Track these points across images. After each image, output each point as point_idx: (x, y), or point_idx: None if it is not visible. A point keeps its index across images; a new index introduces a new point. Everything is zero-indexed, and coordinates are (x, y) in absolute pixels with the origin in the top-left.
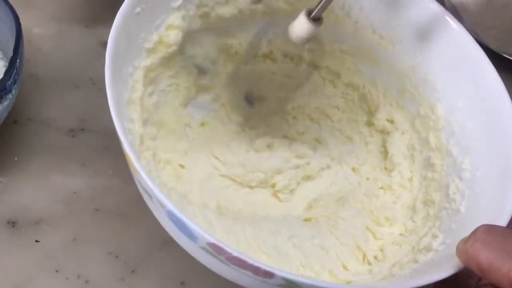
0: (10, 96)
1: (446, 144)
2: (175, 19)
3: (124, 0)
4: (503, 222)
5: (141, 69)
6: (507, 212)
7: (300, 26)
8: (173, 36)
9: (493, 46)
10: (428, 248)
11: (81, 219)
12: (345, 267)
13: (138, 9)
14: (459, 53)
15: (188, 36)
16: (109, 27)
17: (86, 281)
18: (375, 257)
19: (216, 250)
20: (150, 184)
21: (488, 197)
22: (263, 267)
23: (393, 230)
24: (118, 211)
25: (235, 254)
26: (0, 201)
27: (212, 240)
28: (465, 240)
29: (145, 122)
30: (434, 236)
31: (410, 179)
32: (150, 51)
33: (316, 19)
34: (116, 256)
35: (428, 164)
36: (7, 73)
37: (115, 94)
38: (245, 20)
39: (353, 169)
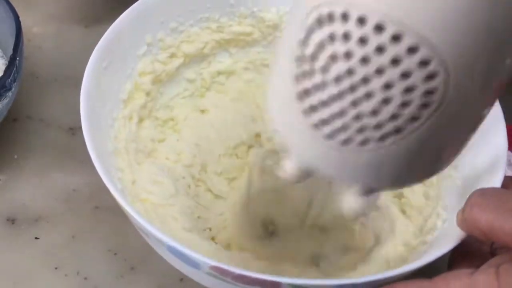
0: (9, 94)
1: None
2: (145, 65)
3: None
4: (497, 184)
5: (121, 120)
6: (499, 174)
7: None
8: (148, 82)
9: None
10: (434, 228)
11: (81, 217)
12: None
13: (105, 64)
14: None
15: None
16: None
17: (85, 278)
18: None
19: (220, 272)
20: (144, 224)
21: (481, 163)
22: (269, 278)
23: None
24: (117, 208)
25: (238, 272)
26: (0, 198)
27: (214, 264)
28: (463, 209)
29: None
30: (438, 215)
31: None
32: (127, 101)
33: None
34: (116, 253)
35: None
36: (7, 71)
37: (97, 145)
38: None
39: None
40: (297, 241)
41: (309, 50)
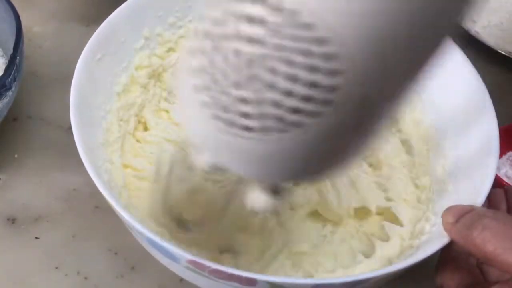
0: (10, 93)
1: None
2: (142, 59)
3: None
4: (482, 197)
5: (114, 112)
6: (485, 186)
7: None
8: (144, 75)
9: (493, 44)
10: (422, 232)
11: (81, 216)
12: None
13: (99, 56)
14: None
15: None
16: None
17: (86, 278)
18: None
19: (197, 266)
20: (125, 215)
21: (470, 173)
22: (244, 274)
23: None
24: None
25: (214, 267)
26: (0, 198)
27: (191, 257)
28: (469, 225)
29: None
30: (427, 220)
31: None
32: (121, 94)
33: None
34: (116, 253)
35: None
36: (7, 70)
37: (84, 137)
38: None
39: None
40: (208, 236)
41: (206, 26)
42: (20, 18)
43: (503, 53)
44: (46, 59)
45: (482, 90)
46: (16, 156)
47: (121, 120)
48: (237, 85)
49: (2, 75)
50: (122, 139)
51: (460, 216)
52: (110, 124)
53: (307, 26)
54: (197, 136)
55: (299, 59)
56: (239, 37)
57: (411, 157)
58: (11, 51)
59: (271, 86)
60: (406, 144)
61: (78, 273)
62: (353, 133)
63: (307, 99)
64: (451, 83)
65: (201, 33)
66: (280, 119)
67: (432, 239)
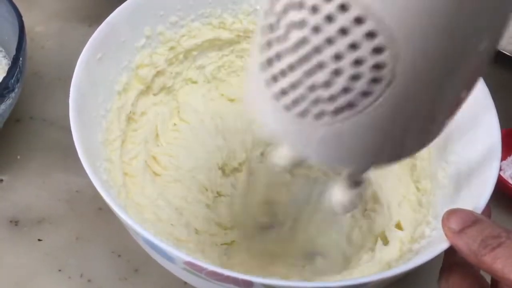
0: (13, 94)
1: None
2: (143, 58)
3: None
4: (484, 201)
5: (115, 111)
6: (487, 190)
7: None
8: (146, 73)
9: None
10: (422, 236)
11: (84, 218)
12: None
13: (99, 55)
14: None
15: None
16: None
17: (89, 280)
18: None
19: (194, 268)
20: (122, 214)
21: (472, 176)
22: (241, 277)
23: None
24: None
25: (211, 268)
26: (3, 199)
27: (188, 259)
28: (480, 241)
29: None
30: (428, 223)
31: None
32: (122, 93)
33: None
34: (119, 255)
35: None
36: (10, 71)
37: (83, 135)
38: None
39: None
40: (292, 235)
41: (271, 19)
42: (23, 18)
43: (506, 53)
44: (48, 59)
45: (484, 94)
46: (18, 157)
47: (121, 119)
48: (308, 73)
49: (5, 77)
50: (123, 138)
51: (466, 225)
52: (110, 123)
53: (343, 7)
54: (271, 130)
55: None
56: (303, 24)
57: (413, 160)
58: (14, 51)
59: (338, 72)
60: None
61: (81, 275)
62: (413, 113)
63: (369, 80)
64: None
65: (266, 27)
66: (351, 103)
67: (432, 243)
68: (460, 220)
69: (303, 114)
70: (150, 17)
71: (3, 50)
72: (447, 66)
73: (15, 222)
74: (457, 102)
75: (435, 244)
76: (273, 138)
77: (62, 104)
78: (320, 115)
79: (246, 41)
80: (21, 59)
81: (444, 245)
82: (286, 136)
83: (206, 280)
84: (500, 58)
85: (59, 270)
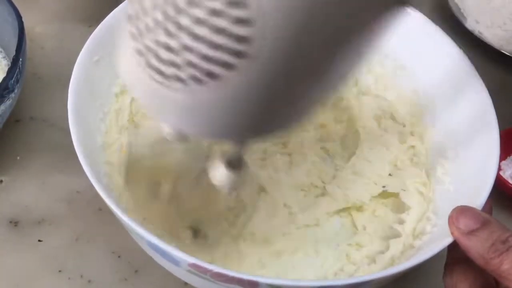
0: (12, 95)
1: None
2: None
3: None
4: (483, 198)
5: (113, 113)
6: (487, 186)
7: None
8: None
9: (496, 45)
10: (423, 232)
11: (84, 219)
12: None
13: (96, 57)
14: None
15: None
16: None
17: (89, 281)
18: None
19: (199, 270)
20: (125, 218)
21: (471, 173)
22: (247, 277)
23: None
24: None
25: (216, 270)
26: (2, 200)
27: (193, 261)
28: (490, 244)
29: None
30: (428, 220)
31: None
32: (119, 95)
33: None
34: (119, 256)
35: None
36: (10, 72)
37: (83, 138)
38: None
39: None
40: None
41: None
42: (22, 18)
43: (506, 53)
44: (48, 60)
45: (483, 91)
46: (18, 158)
47: (120, 121)
48: (167, 33)
49: (5, 77)
50: (121, 140)
51: (475, 227)
52: (108, 126)
53: None
54: (129, 79)
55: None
56: None
57: (411, 156)
58: (13, 52)
59: (196, 37)
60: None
61: (81, 276)
62: (282, 90)
63: (220, 48)
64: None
65: None
66: (198, 69)
67: (434, 240)
68: (469, 221)
69: (160, 72)
70: None
71: (2, 50)
72: (311, 55)
73: (15, 223)
74: (321, 91)
75: (437, 240)
76: (146, 109)
77: (62, 105)
78: (172, 77)
79: None
80: (21, 59)
81: (446, 241)
82: (145, 97)
83: (209, 281)
84: (500, 58)
85: (59, 271)
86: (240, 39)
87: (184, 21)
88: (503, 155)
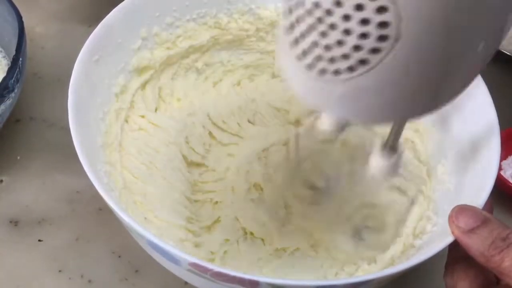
0: (12, 95)
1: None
2: (140, 59)
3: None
4: (484, 197)
5: (113, 113)
6: (488, 185)
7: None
8: (142, 75)
9: None
10: (423, 232)
11: (85, 219)
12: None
13: (96, 57)
14: None
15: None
16: None
17: (89, 281)
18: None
19: (199, 269)
20: (125, 218)
21: (472, 172)
22: (247, 277)
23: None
24: None
25: (216, 269)
26: (3, 200)
27: (193, 260)
28: (490, 242)
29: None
30: (429, 219)
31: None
32: (119, 95)
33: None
34: (120, 256)
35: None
36: (10, 72)
37: (83, 138)
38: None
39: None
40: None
41: None
42: (23, 18)
43: (506, 53)
44: (48, 60)
45: (484, 92)
46: (18, 157)
47: (120, 121)
48: (322, 34)
49: (5, 77)
50: (120, 140)
51: (475, 225)
52: (108, 126)
53: None
54: (297, 89)
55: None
56: None
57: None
58: (14, 52)
59: (348, 31)
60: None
61: (81, 276)
62: (423, 70)
63: (366, 36)
64: None
65: None
66: (352, 58)
67: (434, 239)
68: (469, 219)
69: (322, 72)
70: (145, 19)
71: (3, 50)
72: (448, 26)
73: (15, 223)
74: (469, 62)
75: (437, 239)
76: (300, 97)
77: (62, 104)
78: (336, 72)
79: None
80: (21, 59)
81: (446, 240)
82: (309, 94)
83: (210, 281)
84: (500, 58)
85: (60, 271)
86: (381, 24)
87: (335, 19)
88: (504, 155)
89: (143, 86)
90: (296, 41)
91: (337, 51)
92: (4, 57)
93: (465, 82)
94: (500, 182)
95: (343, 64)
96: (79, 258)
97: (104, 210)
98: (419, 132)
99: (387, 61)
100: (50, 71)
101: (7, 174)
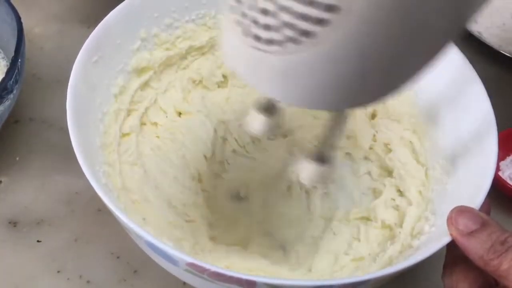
0: (11, 96)
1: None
2: (139, 60)
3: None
4: (481, 198)
5: (112, 114)
6: (485, 186)
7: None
8: (141, 76)
9: (495, 46)
10: (421, 232)
11: (83, 220)
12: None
13: (95, 58)
14: None
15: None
16: None
17: (88, 282)
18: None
19: (197, 269)
20: (124, 218)
21: (469, 172)
22: (244, 277)
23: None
24: None
25: (214, 269)
26: (1, 201)
27: (190, 260)
28: (490, 245)
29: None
30: (427, 220)
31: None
32: (118, 95)
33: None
34: (118, 257)
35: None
36: (9, 72)
37: (81, 139)
38: None
39: None
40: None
41: None
42: (21, 19)
43: (505, 53)
44: (47, 61)
45: (483, 97)
46: (17, 158)
47: (119, 122)
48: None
49: (4, 78)
50: (119, 140)
51: (474, 228)
52: (107, 127)
53: None
54: (230, 56)
55: None
56: None
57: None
58: (12, 53)
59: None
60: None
61: (80, 277)
62: (378, 52)
63: (313, 4)
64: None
65: None
66: (294, 28)
67: (432, 239)
68: (468, 222)
69: (257, 38)
70: (145, 19)
71: (1, 51)
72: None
73: (14, 224)
74: (426, 39)
75: (435, 240)
76: (238, 73)
77: (61, 106)
78: (270, 41)
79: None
80: (19, 60)
81: (444, 241)
82: (246, 68)
83: (207, 281)
84: (499, 59)
85: (58, 272)
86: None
87: None
88: (502, 156)
89: (142, 87)
90: (233, 8)
91: (273, 20)
92: (3, 58)
93: (421, 64)
94: (498, 183)
95: (278, 35)
96: (78, 259)
97: (103, 211)
98: (417, 132)
99: (336, 37)
100: (49, 72)
101: (6, 175)
